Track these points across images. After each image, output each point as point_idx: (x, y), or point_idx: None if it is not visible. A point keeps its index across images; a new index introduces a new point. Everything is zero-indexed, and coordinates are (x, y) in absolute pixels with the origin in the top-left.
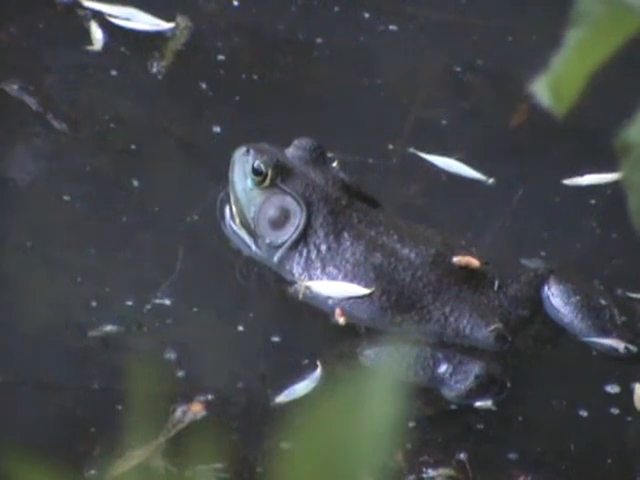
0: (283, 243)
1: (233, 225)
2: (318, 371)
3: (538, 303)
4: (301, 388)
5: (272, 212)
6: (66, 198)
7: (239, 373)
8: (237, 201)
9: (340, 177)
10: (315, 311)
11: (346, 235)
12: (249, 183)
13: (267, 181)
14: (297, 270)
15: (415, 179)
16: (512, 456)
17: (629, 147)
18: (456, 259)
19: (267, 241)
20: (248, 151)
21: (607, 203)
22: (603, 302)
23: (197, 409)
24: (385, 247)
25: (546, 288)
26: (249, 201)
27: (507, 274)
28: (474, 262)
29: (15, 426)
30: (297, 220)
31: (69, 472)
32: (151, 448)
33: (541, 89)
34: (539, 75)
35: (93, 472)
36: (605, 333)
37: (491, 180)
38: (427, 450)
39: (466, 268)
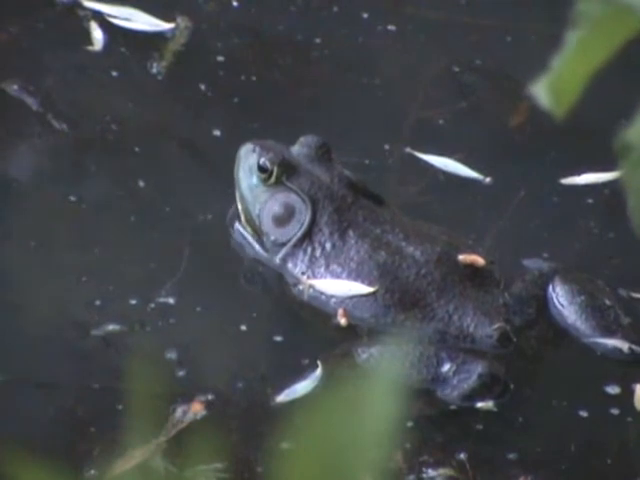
0: (288, 240)
1: (238, 225)
2: (319, 371)
3: (542, 303)
4: (302, 388)
5: (277, 209)
6: (72, 198)
7: (240, 373)
8: (242, 198)
9: (345, 175)
10: (318, 311)
11: (351, 233)
12: (254, 180)
13: (272, 178)
14: (301, 268)
15: (413, 179)
16: (512, 456)
17: (629, 148)
18: (461, 257)
19: (272, 238)
20: (254, 148)
21: (605, 203)
22: (608, 302)
23: (197, 409)
24: (390, 245)
25: (551, 288)
26: (254, 198)
27: (512, 273)
28: (479, 260)
29: (15, 425)
30: (302, 217)
31: (69, 472)
32: (151, 448)
33: (541, 91)
34: (538, 76)
35: (93, 472)
36: (610, 333)
37: (488, 179)
38: (427, 450)
39: (471, 266)
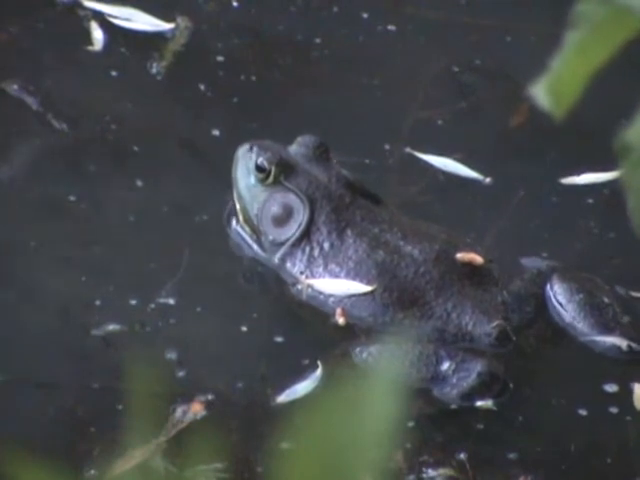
0: (286, 240)
1: (236, 225)
2: (319, 371)
3: (541, 301)
4: (302, 388)
5: (275, 209)
6: (71, 198)
7: (240, 373)
8: (240, 198)
9: (343, 174)
10: (317, 311)
11: (349, 232)
12: (252, 180)
13: (270, 178)
14: (299, 267)
15: (413, 179)
16: (512, 456)
17: (628, 148)
18: (459, 255)
19: (270, 238)
20: (251, 148)
21: (605, 203)
22: (606, 300)
23: (197, 409)
24: (388, 244)
25: (549, 286)
26: (252, 198)
27: (510, 272)
28: (478, 259)
29: (15, 425)
30: (300, 217)
31: (69, 472)
32: (151, 448)
33: (540, 92)
34: (538, 77)
35: (93, 472)
36: (608, 331)
37: (488, 179)
38: (427, 450)
39: (469, 265)
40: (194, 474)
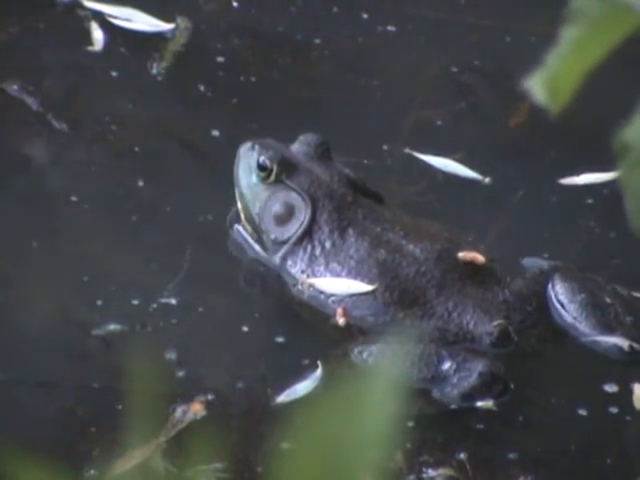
0: (288, 239)
1: (238, 225)
2: (319, 371)
3: (543, 301)
4: (302, 388)
5: (277, 208)
6: (72, 199)
7: (240, 373)
8: (242, 197)
9: (345, 173)
10: (318, 311)
11: (351, 231)
12: (254, 178)
13: (272, 177)
14: (301, 266)
15: (413, 180)
16: (512, 456)
17: (627, 147)
18: (461, 255)
19: (272, 237)
20: (253, 146)
21: (604, 203)
22: (608, 300)
23: (197, 409)
24: (390, 243)
25: (551, 286)
26: (254, 197)
27: (512, 271)
28: (479, 258)
29: (15, 426)
30: (302, 216)
31: (69, 472)
32: (151, 448)
33: (536, 86)
34: (533, 72)
35: (93, 472)
36: (610, 331)
37: (487, 180)
38: (427, 450)
39: (471, 264)
40: (194, 474)
